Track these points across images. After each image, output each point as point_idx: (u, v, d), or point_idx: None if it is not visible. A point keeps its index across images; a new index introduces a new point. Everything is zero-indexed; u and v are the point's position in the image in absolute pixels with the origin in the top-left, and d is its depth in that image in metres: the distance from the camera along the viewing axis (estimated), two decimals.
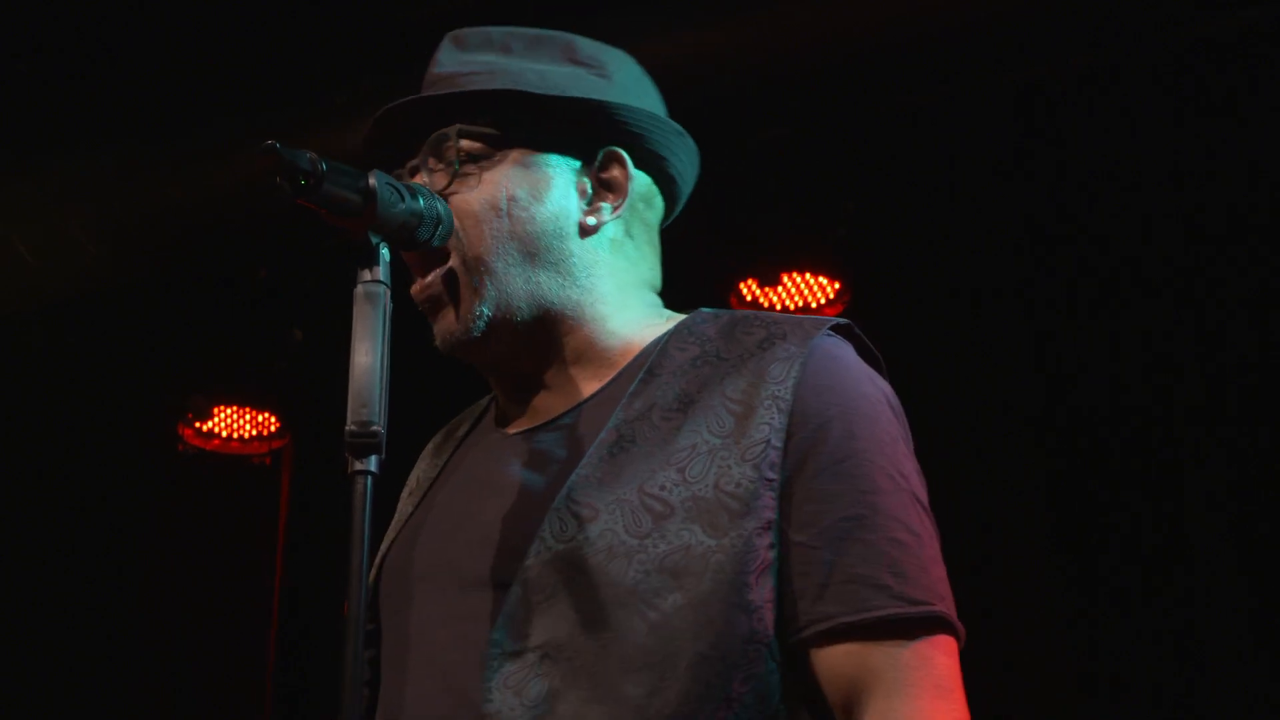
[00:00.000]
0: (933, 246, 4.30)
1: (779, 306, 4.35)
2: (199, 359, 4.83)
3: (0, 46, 4.19)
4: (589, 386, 1.87)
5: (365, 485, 1.58)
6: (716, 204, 4.11)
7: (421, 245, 1.76)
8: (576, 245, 1.87)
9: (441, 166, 1.86)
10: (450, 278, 1.84)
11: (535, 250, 1.85)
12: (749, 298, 4.34)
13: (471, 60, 1.92)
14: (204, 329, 4.81)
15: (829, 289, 4.33)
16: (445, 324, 1.86)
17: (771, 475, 1.69)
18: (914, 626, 1.66)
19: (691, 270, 4.15)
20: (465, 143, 1.85)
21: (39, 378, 5.07)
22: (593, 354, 1.88)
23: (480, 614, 1.73)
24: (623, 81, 1.95)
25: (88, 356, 5.03)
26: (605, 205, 1.89)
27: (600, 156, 1.90)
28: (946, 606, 1.68)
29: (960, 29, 3.60)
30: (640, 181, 1.93)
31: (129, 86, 4.26)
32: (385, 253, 1.67)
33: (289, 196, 1.62)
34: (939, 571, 1.70)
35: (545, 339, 1.87)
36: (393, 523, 1.96)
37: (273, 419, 4.91)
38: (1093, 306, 4.12)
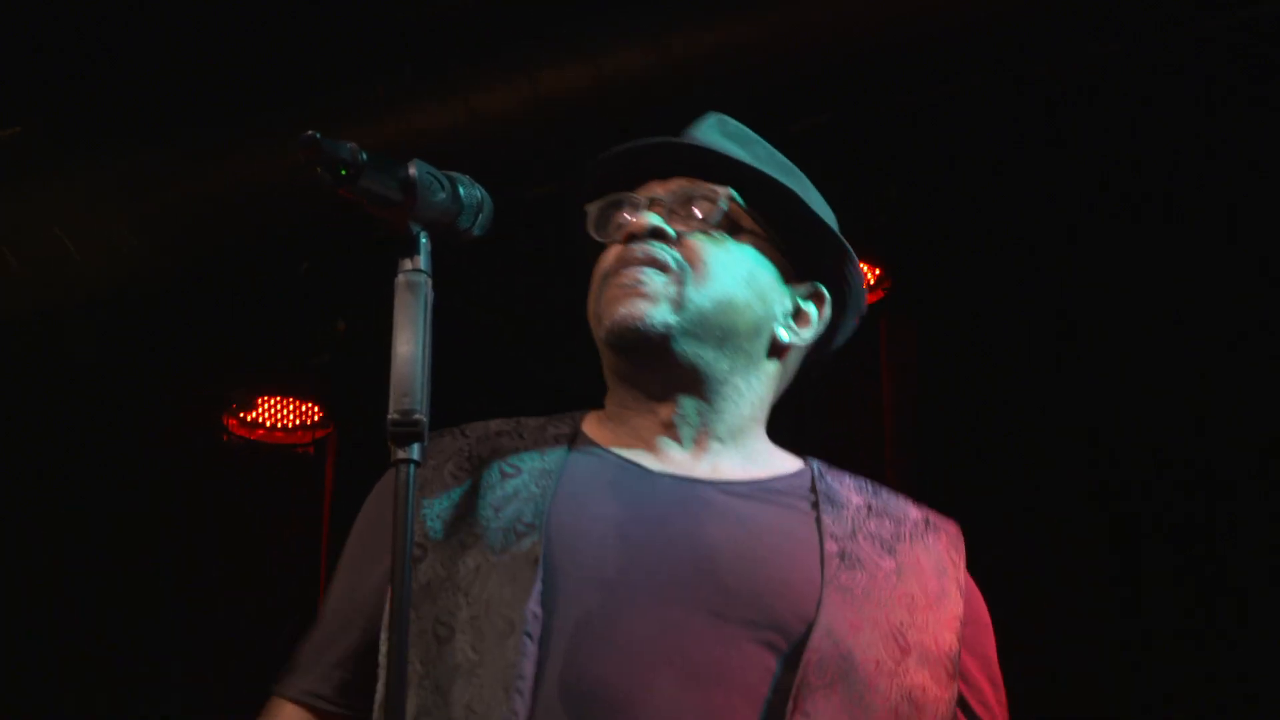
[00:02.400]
0: (974, 233, 4.28)
1: None
2: (242, 350, 4.86)
3: (41, 42, 4.22)
4: (734, 471, 1.92)
5: (408, 473, 1.59)
6: None
7: (463, 234, 1.76)
8: (762, 350, 1.95)
9: (684, 212, 1.92)
10: (664, 284, 1.88)
11: (737, 329, 1.92)
12: None
13: (728, 147, 1.99)
14: (247, 320, 4.83)
15: (869, 275, 4.31)
16: (634, 308, 1.87)
17: (959, 650, 1.86)
18: None
19: None
20: (728, 206, 1.92)
21: (84, 369, 5.11)
22: (737, 445, 1.94)
23: (719, 650, 1.75)
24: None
25: (132, 348, 5.07)
26: (796, 329, 1.98)
27: (812, 288, 2.00)
28: None
29: (1002, 14, 3.58)
30: (821, 327, 2.01)
31: (169, 80, 4.29)
32: (426, 242, 1.68)
33: (330, 187, 1.63)
34: None
35: (698, 405, 1.92)
36: (490, 503, 1.87)
37: (316, 409, 4.93)
38: (1137, 296, 4.09)
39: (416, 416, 1.59)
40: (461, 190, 1.73)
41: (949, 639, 1.85)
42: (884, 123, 4.00)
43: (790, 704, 1.72)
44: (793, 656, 1.75)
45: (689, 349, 1.89)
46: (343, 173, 1.61)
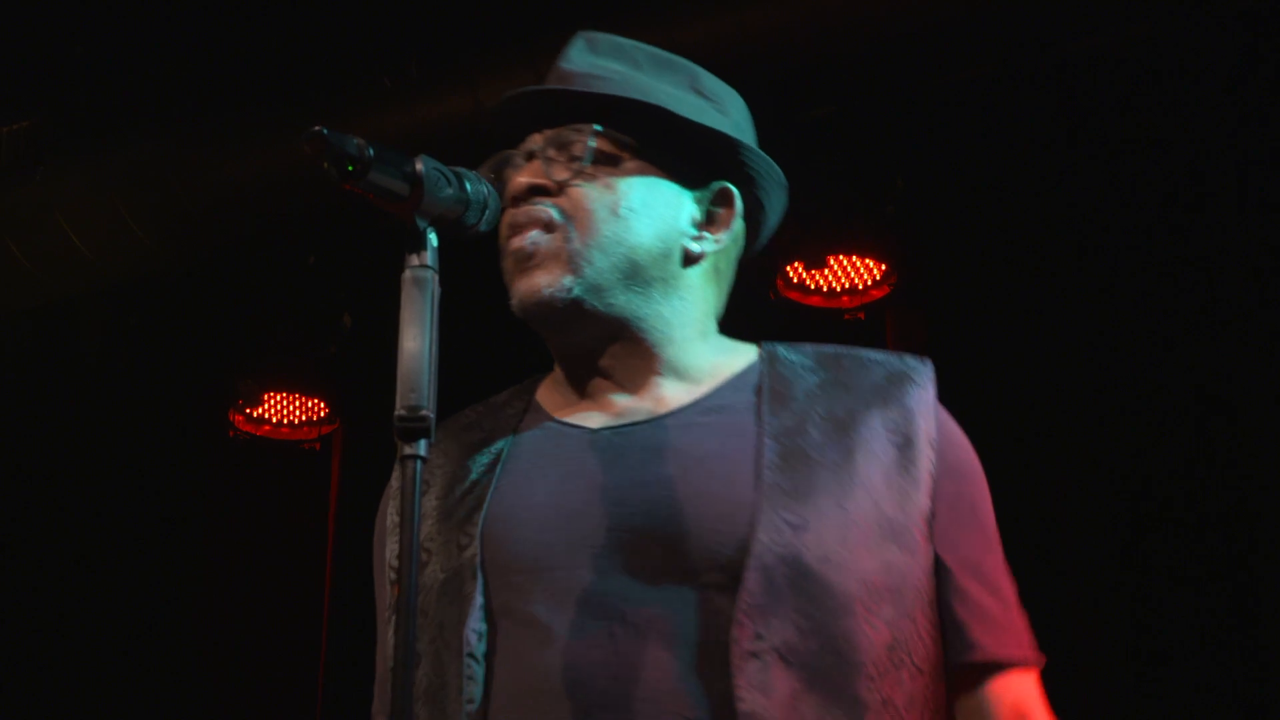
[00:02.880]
0: (982, 225, 4.27)
1: (825, 289, 4.34)
2: (249, 345, 4.86)
3: (49, 38, 4.23)
4: (678, 397, 1.89)
5: (415, 469, 1.58)
6: None
7: (469, 230, 1.76)
8: (677, 268, 1.91)
9: (563, 159, 1.88)
10: (552, 245, 1.85)
11: (640, 263, 1.88)
12: (795, 280, 4.33)
13: (603, 65, 1.94)
14: (254, 315, 4.83)
15: (875, 271, 4.31)
16: (531, 282, 1.85)
17: (933, 507, 1.82)
18: (1035, 672, 1.88)
19: None
20: (597, 143, 1.87)
21: (91, 364, 5.11)
22: (678, 370, 1.91)
23: (667, 609, 1.74)
24: (738, 121, 1.98)
25: (139, 343, 5.07)
26: (709, 236, 1.93)
27: (715, 189, 1.94)
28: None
29: (1010, 5, 3.57)
30: (739, 222, 1.97)
31: (177, 73, 4.29)
32: (433, 238, 1.67)
33: (336, 182, 1.62)
34: None
35: (630, 347, 1.90)
36: (439, 516, 1.89)
37: (322, 405, 4.93)
38: (1151, 287, 4.08)
39: (423, 412, 1.59)
40: (468, 186, 1.73)
41: (919, 500, 1.81)
42: (891, 114, 4.00)
43: (735, 628, 1.70)
44: (734, 580, 1.73)
45: (598, 301, 1.86)
46: (349, 168, 1.60)
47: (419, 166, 1.65)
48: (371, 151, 1.60)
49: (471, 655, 1.75)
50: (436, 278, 1.65)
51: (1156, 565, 3.96)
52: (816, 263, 4.27)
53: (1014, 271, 4.23)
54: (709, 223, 1.93)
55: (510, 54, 3.88)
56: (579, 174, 1.86)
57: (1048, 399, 4.15)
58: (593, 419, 1.90)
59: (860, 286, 4.34)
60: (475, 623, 1.76)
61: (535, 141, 1.90)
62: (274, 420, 4.94)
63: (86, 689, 5.05)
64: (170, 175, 4.28)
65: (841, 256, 4.30)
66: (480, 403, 2.03)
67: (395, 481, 1.97)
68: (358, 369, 4.75)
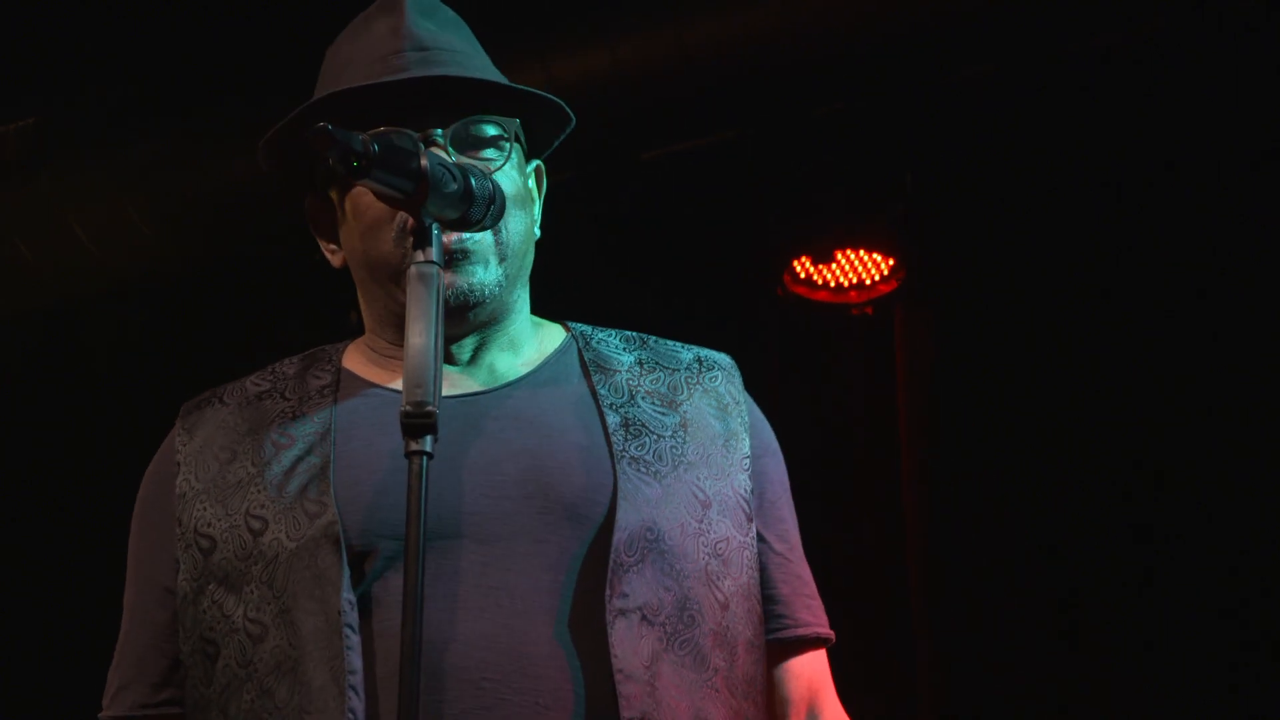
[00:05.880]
0: (990, 221, 4.26)
1: (832, 284, 4.34)
2: (255, 344, 4.86)
3: (57, 31, 4.23)
4: (509, 370, 1.91)
5: (421, 465, 1.58)
6: (770, 181, 4.08)
7: (475, 225, 1.76)
8: (532, 252, 1.94)
9: (472, 151, 1.85)
10: (489, 242, 1.84)
11: (523, 250, 1.91)
12: (803, 275, 4.32)
13: (429, 28, 1.92)
14: (261, 314, 4.83)
15: (883, 265, 4.31)
16: (470, 278, 1.82)
17: (753, 486, 1.89)
18: (826, 648, 1.98)
19: (745, 248, 4.15)
20: (509, 139, 1.88)
21: (99, 362, 5.11)
22: (511, 345, 1.93)
23: (548, 576, 1.74)
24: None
25: (146, 342, 5.07)
26: (538, 215, 1.97)
27: (534, 167, 1.98)
28: None
29: (1018, 1, 3.57)
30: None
31: (183, 70, 4.29)
32: (438, 233, 1.67)
33: (342, 178, 1.62)
34: None
35: (483, 326, 1.90)
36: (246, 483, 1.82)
37: None
38: (1159, 286, 4.07)
39: (429, 408, 1.58)
40: (473, 182, 1.73)
41: (742, 480, 1.88)
42: (899, 110, 3.99)
43: (607, 589, 1.71)
44: (602, 543, 1.74)
45: (504, 293, 1.88)
46: (355, 164, 1.60)
47: (424, 163, 1.65)
48: (376, 148, 1.60)
49: (350, 626, 1.69)
50: (442, 273, 1.66)
51: (1158, 561, 3.95)
52: (824, 258, 4.26)
53: (1022, 267, 4.23)
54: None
55: (515, 52, 3.87)
56: (495, 169, 1.85)
57: (1055, 394, 4.14)
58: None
59: (868, 282, 4.33)
60: (348, 592, 1.71)
61: (447, 126, 1.84)
62: None
63: (91, 691, 5.05)
64: (177, 173, 4.28)
65: (849, 251, 4.29)
66: (256, 373, 2.00)
67: (181, 442, 1.96)
68: None
